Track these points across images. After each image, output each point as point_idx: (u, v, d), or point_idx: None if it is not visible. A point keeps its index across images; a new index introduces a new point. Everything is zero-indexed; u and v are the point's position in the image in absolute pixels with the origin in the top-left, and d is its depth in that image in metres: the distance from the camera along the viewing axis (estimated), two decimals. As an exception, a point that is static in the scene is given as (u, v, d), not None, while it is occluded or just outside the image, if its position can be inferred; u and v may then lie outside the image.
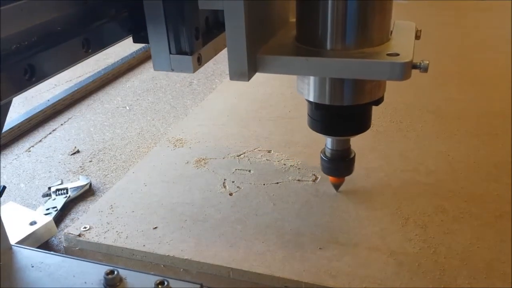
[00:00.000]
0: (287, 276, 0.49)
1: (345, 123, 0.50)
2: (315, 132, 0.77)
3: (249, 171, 0.68)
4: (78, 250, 0.56)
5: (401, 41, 0.44)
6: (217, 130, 0.80)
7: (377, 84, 0.47)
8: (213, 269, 0.52)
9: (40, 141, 0.85)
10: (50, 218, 0.60)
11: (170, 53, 0.42)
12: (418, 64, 0.41)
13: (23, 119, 0.89)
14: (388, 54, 0.41)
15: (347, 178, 0.65)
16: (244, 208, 0.60)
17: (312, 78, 0.47)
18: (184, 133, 0.79)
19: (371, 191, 0.62)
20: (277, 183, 0.65)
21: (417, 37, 0.48)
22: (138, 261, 0.54)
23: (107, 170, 0.75)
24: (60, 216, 0.64)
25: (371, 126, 0.79)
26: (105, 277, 0.38)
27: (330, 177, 0.59)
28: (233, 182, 0.65)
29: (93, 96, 1.03)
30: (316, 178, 0.65)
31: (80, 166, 0.76)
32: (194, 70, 0.43)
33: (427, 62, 0.41)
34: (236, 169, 0.68)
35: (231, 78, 0.42)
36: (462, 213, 0.58)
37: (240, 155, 0.72)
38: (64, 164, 0.77)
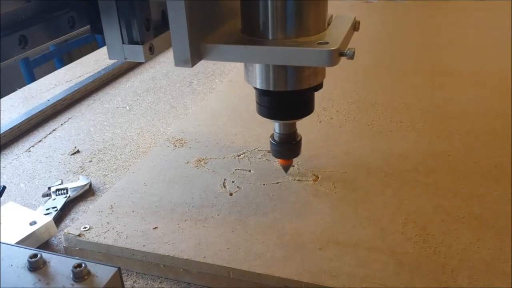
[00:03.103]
0: (287, 276, 0.49)
1: (289, 107, 0.54)
2: (315, 132, 0.77)
3: (249, 171, 0.68)
4: (78, 250, 0.56)
5: (335, 32, 0.48)
6: (217, 130, 0.80)
7: (316, 71, 0.51)
8: (213, 269, 0.52)
9: (40, 141, 0.85)
10: (50, 218, 0.60)
11: (123, 43, 0.46)
12: (345, 52, 0.45)
13: (23, 119, 0.89)
14: (318, 43, 0.45)
15: (347, 178, 0.65)
16: (244, 208, 0.60)
17: (257, 67, 0.51)
18: (184, 133, 0.79)
19: (371, 191, 0.62)
20: (277, 183, 0.65)
21: (356, 28, 0.53)
22: (138, 261, 0.54)
23: (107, 170, 0.75)
24: (60, 216, 0.64)
25: (371, 126, 0.80)
26: (28, 260, 0.39)
27: (279, 160, 0.62)
28: (233, 182, 0.65)
29: (93, 96, 1.03)
30: (316, 178, 0.65)
31: (80, 166, 0.76)
32: (146, 59, 0.46)
33: (353, 49, 0.45)
34: (236, 169, 0.68)
35: (176, 65, 0.45)
36: (462, 213, 0.58)
37: (240, 155, 0.72)
38: (64, 164, 0.77)
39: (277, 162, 0.69)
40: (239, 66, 1.14)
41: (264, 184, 0.65)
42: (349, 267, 0.50)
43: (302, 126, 0.80)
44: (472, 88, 0.93)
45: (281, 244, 0.54)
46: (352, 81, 0.98)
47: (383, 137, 0.76)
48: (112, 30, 0.45)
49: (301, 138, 0.59)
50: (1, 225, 0.58)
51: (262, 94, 0.53)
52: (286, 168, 0.64)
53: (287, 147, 0.59)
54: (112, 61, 1.16)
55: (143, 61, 0.46)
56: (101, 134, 0.87)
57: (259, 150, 0.73)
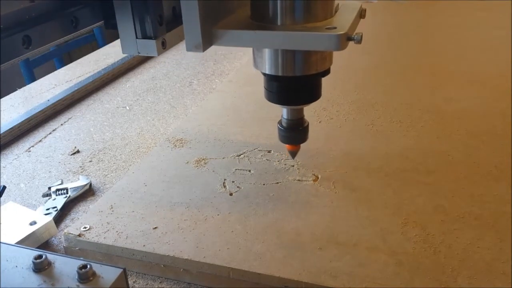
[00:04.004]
0: (287, 276, 0.49)
1: (297, 92, 0.55)
2: (315, 132, 0.77)
3: (249, 171, 0.68)
4: (78, 250, 0.56)
5: (343, 18, 0.49)
6: (217, 130, 0.80)
7: (323, 56, 0.52)
8: (213, 269, 0.52)
9: (40, 141, 0.85)
10: (50, 218, 0.60)
11: (137, 37, 0.48)
12: (352, 36, 0.46)
13: (23, 119, 0.89)
14: (327, 28, 0.46)
15: (347, 178, 0.65)
16: (244, 208, 0.60)
17: (266, 52, 0.52)
18: (184, 133, 0.79)
19: (371, 191, 0.62)
20: (277, 183, 0.65)
21: (362, 16, 0.54)
22: (138, 261, 0.54)
23: (107, 170, 0.75)
24: (60, 216, 0.64)
25: (371, 126, 0.80)
26: (33, 261, 0.40)
27: (286, 145, 0.62)
28: (233, 182, 0.65)
29: (93, 96, 1.03)
30: (316, 178, 0.65)
31: (80, 166, 0.76)
32: (159, 53, 0.48)
33: (361, 33, 0.46)
34: (236, 169, 0.68)
35: (188, 49, 0.47)
36: (462, 213, 0.58)
37: (240, 155, 0.72)
38: (64, 164, 0.77)
39: (277, 162, 0.69)
40: (239, 66, 1.14)
41: (264, 184, 0.65)
42: (349, 267, 0.50)
43: (302, 126, 0.80)
44: (472, 88, 0.93)
45: (281, 244, 0.54)
46: (352, 81, 0.98)
47: (383, 137, 0.76)
48: (126, 26, 0.47)
49: (308, 124, 0.60)
50: (1, 225, 0.58)
51: (270, 79, 0.54)
52: (293, 154, 0.64)
53: (295, 133, 0.59)
54: (112, 61, 1.16)
55: (156, 55, 0.48)
56: (101, 134, 0.87)
57: (259, 150, 0.73)
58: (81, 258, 0.41)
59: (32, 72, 1.76)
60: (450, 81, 0.97)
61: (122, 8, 0.47)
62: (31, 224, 0.58)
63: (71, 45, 1.97)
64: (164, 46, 0.49)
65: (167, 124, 0.89)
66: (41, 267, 0.39)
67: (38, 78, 1.19)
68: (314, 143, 0.74)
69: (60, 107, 0.97)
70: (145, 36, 0.48)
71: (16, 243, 0.54)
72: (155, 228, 0.57)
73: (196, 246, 0.54)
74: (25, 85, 1.13)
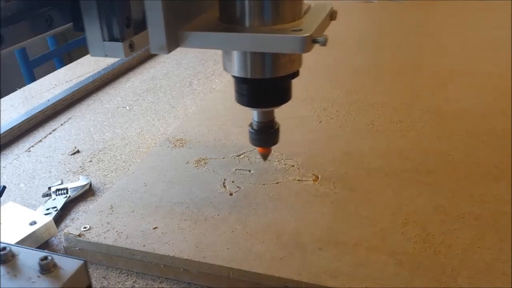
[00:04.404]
0: (287, 276, 0.49)
1: (267, 95, 0.55)
2: (315, 132, 0.77)
3: (249, 171, 0.68)
4: (78, 250, 0.56)
5: (310, 19, 0.49)
6: (217, 130, 0.80)
7: (292, 58, 0.51)
8: (213, 269, 0.52)
9: (40, 141, 0.85)
10: (50, 218, 0.60)
11: (104, 40, 0.47)
12: (318, 39, 0.45)
13: (23, 119, 0.89)
14: (292, 30, 0.45)
15: (347, 178, 0.65)
16: (244, 208, 0.60)
17: (235, 54, 0.51)
18: (184, 133, 0.79)
19: (371, 191, 0.62)
20: (277, 183, 0.65)
21: (333, 17, 0.53)
22: (138, 261, 0.54)
23: (107, 170, 0.75)
24: (60, 216, 0.64)
25: (371, 126, 0.80)
26: None
27: (258, 148, 0.62)
28: (233, 182, 0.65)
29: (93, 96, 1.03)
30: (316, 178, 0.65)
31: (80, 166, 0.76)
32: (126, 56, 0.47)
33: (326, 36, 0.45)
34: (236, 169, 0.68)
35: (152, 51, 0.47)
36: (462, 213, 0.58)
37: (240, 155, 0.72)
38: (64, 164, 0.77)
39: (277, 162, 0.69)
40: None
41: (264, 184, 0.65)
42: (349, 267, 0.50)
43: (302, 126, 0.80)
44: (472, 88, 0.93)
45: (281, 244, 0.54)
46: (352, 81, 0.98)
47: (383, 137, 0.76)
48: (93, 28, 0.47)
49: (279, 126, 0.59)
50: (1, 225, 0.58)
51: (239, 82, 0.54)
52: (265, 156, 0.64)
53: (265, 135, 0.59)
54: (112, 61, 1.16)
55: (123, 57, 0.47)
56: (101, 134, 0.87)
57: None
58: (45, 251, 0.42)
59: (32, 72, 1.76)
60: (450, 81, 0.97)
61: (88, 10, 0.46)
62: (31, 224, 0.58)
63: (71, 45, 1.96)
64: (132, 49, 0.48)
65: (167, 124, 0.89)
66: (5, 258, 0.40)
67: (38, 78, 1.19)
68: (314, 143, 0.74)
69: (60, 107, 0.97)
70: (112, 39, 0.47)
71: (16, 243, 0.54)
72: (155, 228, 0.57)
73: (196, 246, 0.54)
74: (25, 85, 1.13)
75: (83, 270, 0.41)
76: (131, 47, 0.48)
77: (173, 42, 0.47)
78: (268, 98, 0.55)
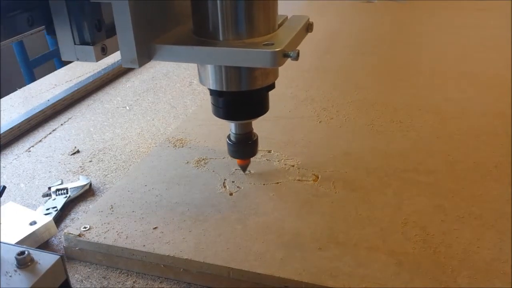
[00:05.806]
0: (287, 276, 0.49)
1: (242, 108, 0.55)
2: (315, 132, 0.77)
3: (249, 171, 0.68)
4: (78, 250, 0.56)
5: (284, 33, 0.49)
6: (217, 130, 0.80)
7: (266, 71, 0.51)
8: (213, 269, 0.52)
9: (40, 141, 0.85)
10: (50, 218, 0.60)
11: (75, 43, 0.47)
12: (289, 53, 0.45)
13: (23, 119, 0.89)
14: (264, 44, 0.45)
15: (347, 178, 0.65)
16: (244, 208, 0.60)
17: (209, 68, 0.51)
18: (184, 133, 0.79)
19: (371, 191, 0.62)
20: (277, 183, 0.65)
21: (309, 30, 0.53)
22: (138, 261, 0.54)
23: (107, 170, 0.75)
24: (60, 216, 0.64)
25: (371, 126, 0.80)
26: None
27: (237, 160, 0.63)
28: (233, 182, 0.65)
29: (93, 96, 1.03)
30: (316, 178, 0.65)
31: (80, 166, 0.76)
32: (97, 59, 0.47)
33: (298, 50, 0.45)
34: (236, 169, 0.68)
35: (124, 65, 0.46)
36: (462, 213, 0.58)
37: (240, 155, 0.72)
38: (64, 164, 0.77)
39: (277, 162, 0.69)
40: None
41: (264, 184, 0.65)
42: (349, 267, 0.50)
43: (302, 126, 0.80)
44: (472, 88, 0.93)
45: (281, 244, 0.54)
46: (352, 81, 0.98)
47: (383, 137, 0.76)
48: (64, 31, 0.46)
49: (257, 138, 0.59)
50: (1, 225, 0.58)
51: (215, 94, 0.54)
52: (243, 168, 0.65)
53: (243, 147, 0.60)
54: (112, 61, 1.16)
55: (95, 61, 0.47)
56: (101, 134, 0.87)
57: (259, 150, 0.73)
58: (23, 246, 0.43)
59: (32, 72, 1.76)
60: (450, 81, 0.97)
61: (59, 13, 0.45)
62: (31, 224, 0.58)
63: (71, 45, 1.96)
64: (104, 52, 0.48)
65: (167, 124, 0.89)
66: None
67: (38, 78, 1.19)
68: (314, 143, 0.74)
69: (60, 107, 0.97)
70: (83, 42, 0.46)
71: (16, 243, 0.54)
72: (155, 228, 0.57)
73: (196, 246, 0.54)
74: (25, 85, 1.13)
75: (60, 265, 0.42)
76: (103, 50, 0.47)
77: (144, 54, 0.46)
78: (245, 111, 0.55)
